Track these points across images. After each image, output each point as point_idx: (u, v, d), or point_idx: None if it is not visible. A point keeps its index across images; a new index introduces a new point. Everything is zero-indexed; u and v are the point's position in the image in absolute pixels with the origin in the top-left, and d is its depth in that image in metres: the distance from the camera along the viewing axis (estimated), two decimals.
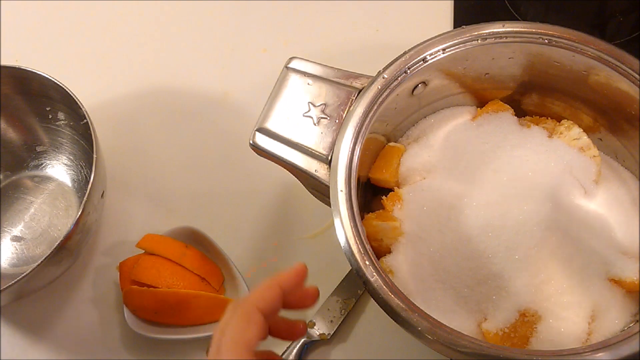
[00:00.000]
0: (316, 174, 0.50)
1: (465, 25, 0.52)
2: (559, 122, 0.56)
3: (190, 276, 0.60)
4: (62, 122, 0.69)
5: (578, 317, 0.48)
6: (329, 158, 0.50)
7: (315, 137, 0.51)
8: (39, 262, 0.54)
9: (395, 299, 0.43)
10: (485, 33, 0.51)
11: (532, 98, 0.57)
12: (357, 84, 0.52)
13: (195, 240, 0.63)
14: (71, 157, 0.71)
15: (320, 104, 0.52)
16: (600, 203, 0.51)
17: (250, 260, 0.64)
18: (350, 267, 0.45)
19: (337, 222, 0.46)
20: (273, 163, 0.53)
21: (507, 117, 0.56)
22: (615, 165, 0.55)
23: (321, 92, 0.52)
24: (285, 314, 0.43)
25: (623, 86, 0.49)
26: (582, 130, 0.54)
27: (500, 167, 0.53)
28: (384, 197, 0.54)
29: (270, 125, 0.52)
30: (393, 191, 0.54)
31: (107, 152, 0.68)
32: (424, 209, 0.51)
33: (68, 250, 0.58)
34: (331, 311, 0.60)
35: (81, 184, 0.69)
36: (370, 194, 0.57)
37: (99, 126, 0.62)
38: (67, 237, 0.55)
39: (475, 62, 0.53)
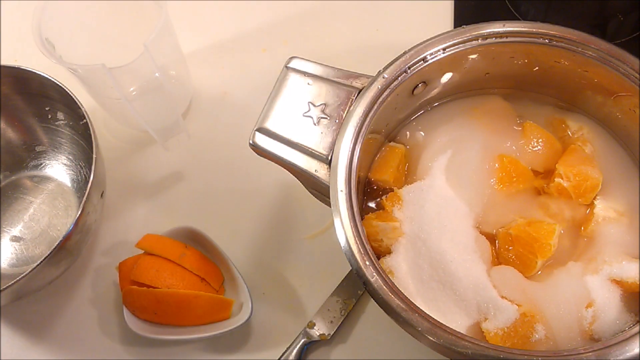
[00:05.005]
0: (316, 174, 0.50)
1: (466, 25, 0.52)
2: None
3: (189, 276, 0.60)
4: (62, 121, 0.69)
5: (578, 318, 0.47)
6: (329, 158, 0.49)
7: (315, 137, 0.51)
8: (39, 262, 0.54)
9: (396, 299, 0.43)
10: (486, 33, 0.51)
11: (532, 97, 0.57)
12: (357, 83, 0.52)
13: (194, 240, 0.63)
14: (70, 157, 0.71)
15: (320, 104, 0.52)
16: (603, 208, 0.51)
17: (250, 261, 0.64)
18: (351, 268, 0.45)
19: (337, 222, 0.46)
20: (273, 163, 0.53)
21: (506, 116, 0.56)
22: (614, 165, 0.55)
23: (321, 91, 0.52)
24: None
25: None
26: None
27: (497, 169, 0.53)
28: (384, 198, 0.54)
29: (270, 125, 0.52)
30: (393, 191, 0.54)
31: (107, 152, 0.68)
32: (423, 209, 0.51)
33: (67, 251, 0.58)
34: (331, 311, 0.60)
35: (80, 184, 0.69)
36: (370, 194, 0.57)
37: (98, 126, 0.62)
38: (67, 237, 0.55)
39: (476, 62, 0.53)
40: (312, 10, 0.78)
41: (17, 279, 0.53)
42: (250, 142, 0.52)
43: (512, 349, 0.42)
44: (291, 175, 0.53)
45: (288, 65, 0.54)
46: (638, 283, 0.48)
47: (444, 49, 0.51)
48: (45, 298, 0.65)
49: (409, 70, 0.51)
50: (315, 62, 0.53)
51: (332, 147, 0.50)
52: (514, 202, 0.53)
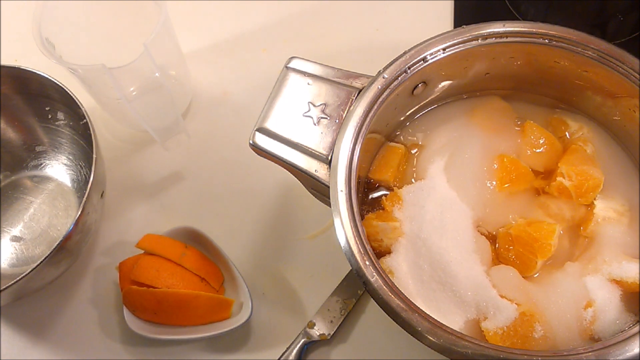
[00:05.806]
0: (316, 174, 0.50)
1: (466, 25, 0.52)
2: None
3: (189, 276, 0.60)
4: (62, 121, 0.69)
5: (578, 318, 0.47)
6: (329, 158, 0.50)
7: (315, 137, 0.51)
8: (39, 262, 0.54)
9: (396, 299, 0.43)
10: (486, 33, 0.51)
11: (531, 97, 0.57)
12: (357, 83, 0.52)
13: (195, 240, 0.63)
14: (71, 157, 0.71)
15: (320, 104, 0.52)
16: (603, 209, 0.51)
17: (250, 261, 0.64)
18: (350, 268, 0.45)
19: (337, 222, 0.46)
20: (273, 163, 0.53)
21: (506, 116, 0.56)
22: (614, 165, 0.55)
23: (321, 91, 0.52)
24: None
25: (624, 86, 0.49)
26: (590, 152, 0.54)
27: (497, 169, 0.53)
28: (384, 198, 0.54)
29: (270, 125, 0.52)
30: (393, 191, 0.54)
31: (107, 152, 0.68)
32: (424, 209, 0.51)
33: (67, 251, 0.58)
34: (331, 311, 0.60)
35: (81, 184, 0.69)
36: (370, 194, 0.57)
37: (98, 126, 0.62)
38: (67, 238, 0.55)
39: (476, 62, 0.53)
40: (312, 10, 0.78)
41: (17, 279, 0.53)
42: (250, 142, 0.52)
43: (511, 349, 0.42)
44: (291, 175, 0.53)
45: (288, 65, 0.54)
46: (638, 283, 0.48)
47: (443, 49, 0.51)
48: (45, 298, 0.65)
49: (409, 70, 0.51)
50: (315, 62, 0.53)
51: (332, 147, 0.50)
52: (514, 202, 0.53)
